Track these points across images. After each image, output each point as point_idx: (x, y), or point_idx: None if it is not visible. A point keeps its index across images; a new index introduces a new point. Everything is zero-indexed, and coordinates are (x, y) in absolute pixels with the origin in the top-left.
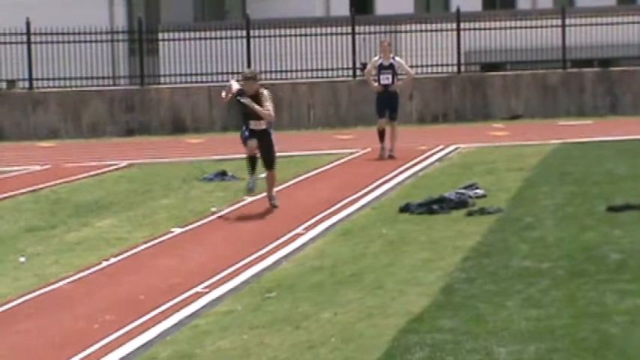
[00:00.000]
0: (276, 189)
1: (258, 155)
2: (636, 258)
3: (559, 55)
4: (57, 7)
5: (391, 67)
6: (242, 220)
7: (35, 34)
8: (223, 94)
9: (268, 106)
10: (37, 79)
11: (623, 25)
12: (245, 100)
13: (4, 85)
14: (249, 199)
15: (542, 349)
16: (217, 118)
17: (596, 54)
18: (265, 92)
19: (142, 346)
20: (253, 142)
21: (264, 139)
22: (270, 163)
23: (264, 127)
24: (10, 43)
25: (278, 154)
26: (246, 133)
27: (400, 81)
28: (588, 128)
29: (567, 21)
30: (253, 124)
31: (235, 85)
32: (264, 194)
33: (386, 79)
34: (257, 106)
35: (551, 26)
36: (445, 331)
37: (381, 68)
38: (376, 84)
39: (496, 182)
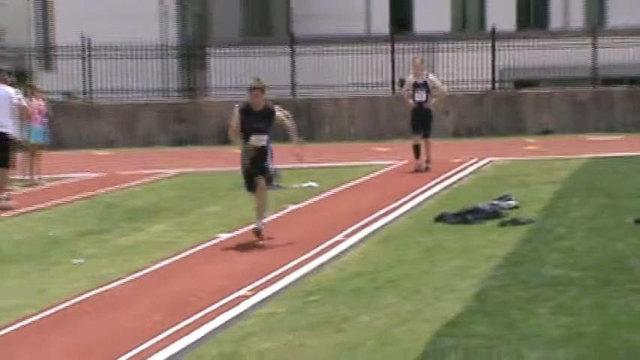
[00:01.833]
0: (318, 197)
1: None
2: None
3: (589, 73)
4: (113, 24)
5: (425, 84)
6: (285, 228)
7: (93, 49)
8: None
9: (290, 125)
10: (94, 92)
11: None
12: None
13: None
14: (292, 206)
15: (571, 355)
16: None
17: (625, 72)
18: (278, 110)
19: (190, 345)
20: (261, 181)
21: (260, 154)
22: (263, 170)
23: (264, 143)
24: (70, 57)
25: (320, 164)
26: (246, 162)
27: (434, 98)
28: (617, 144)
29: (598, 41)
30: (255, 139)
31: (236, 106)
32: (306, 202)
33: (420, 96)
34: (287, 122)
35: (583, 45)
36: (478, 336)
37: (415, 86)
38: (411, 101)
39: (528, 194)
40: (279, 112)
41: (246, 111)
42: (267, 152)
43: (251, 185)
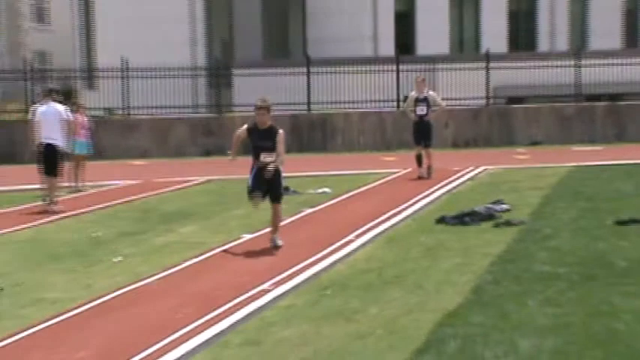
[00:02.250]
0: (331, 202)
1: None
2: None
3: (573, 90)
4: (149, 48)
5: (425, 99)
6: (302, 229)
7: (130, 70)
8: (229, 152)
9: (281, 150)
10: (131, 108)
11: (629, 66)
12: (265, 171)
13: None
14: (308, 210)
15: (559, 342)
16: None
17: (605, 90)
18: (281, 133)
19: (217, 334)
20: (258, 198)
21: (272, 175)
22: (277, 197)
23: (272, 159)
24: (111, 77)
25: (334, 172)
26: (251, 183)
27: (434, 112)
28: (599, 153)
29: (581, 62)
30: (263, 157)
31: (243, 128)
32: (321, 206)
33: (421, 110)
34: (269, 159)
35: (567, 66)
36: (475, 325)
37: (417, 101)
38: (412, 115)
39: (519, 199)
40: (282, 138)
41: (254, 130)
42: (280, 177)
43: (254, 200)
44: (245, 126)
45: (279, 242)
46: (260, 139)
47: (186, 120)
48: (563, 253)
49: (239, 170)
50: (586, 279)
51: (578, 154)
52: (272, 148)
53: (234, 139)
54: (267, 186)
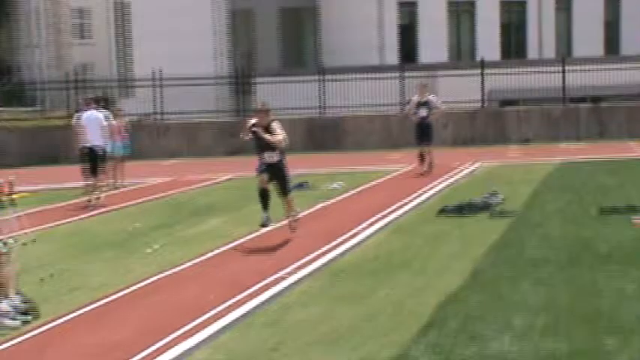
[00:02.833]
0: (343, 196)
1: (269, 188)
2: (621, 250)
3: (560, 94)
4: (179, 59)
5: (426, 103)
6: (317, 220)
7: (163, 79)
8: (242, 135)
9: (278, 133)
10: (164, 113)
11: (609, 71)
12: (257, 129)
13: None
14: (321, 204)
15: (549, 319)
16: (298, 142)
17: (588, 93)
18: (275, 123)
19: (242, 315)
20: (264, 176)
21: (278, 171)
22: (284, 192)
23: (276, 159)
24: (145, 86)
25: (345, 169)
26: (262, 167)
27: (434, 115)
28: (583, 150)
29: (566, 68)
30: (267, 156)
31: (251, 121)
32: (334, 199)
33: (422, 112)
34: (267, 135)
35: (554, 72)
36: (474, 305)
37: (419, 104)
38: (414, 117)
39: (512, 191)
40: (276, 125)
41: (256, 127)
42: (285, 172)
43: (264, 199)
44: (252, 121)
45: (295, 224)
46: (261, 138)
47: (212, 123)
48: (552, 240)
49: None
50: (573, 262)
51: (565, 151)
52: (273, 147)
53: (244, 126)
54: (272, 172)
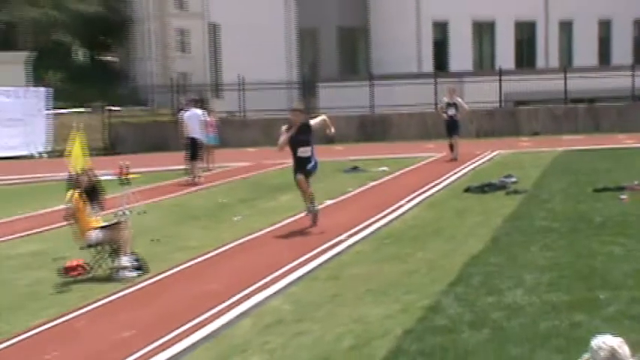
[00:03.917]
0: (388, 177)
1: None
2: (612, 220)
3: (562, 96)
4: (264, 67)
5: (454, 104)
6: (367, 196)
7: (245, 84)
8: (282, 138)
9: (317, 122)
10: (246, 111)
11: (603, 78)
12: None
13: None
14: (372, 183)
15: (553, 277)
16: (352, 134)
17: (586, 95)
18: (320, 118)
19: (309, 271)
20: (300, 177)
21: (307, 163)
22: (308, 172)
23: (309, 154)
24: (231, 89)
25: (390, 156)
26: (296, 169)
27: (460, 114)
28: (581, 141)
29: (567, 75)
30: (301, 151)
31: (284, 127)
32: (380, 180)
33: (451, 111)
34: (324, 123)
35: (558, 78)
36: (493, 265)
37: (448, 105)
38: (445, 115)
39: (524, 174)
40: (313, 122)
41: (290, 127)
42: (311, 163)
43: (298, 181)
44: (283, 129)
45: (312, 208)
46: (297, 134)
47: (285, 119)
48: (555, 213)
49: (322, 155)
50: (572, 231)
51: (566, 142)
52: (307, 142)
53: (280, 145)
54: (304, 166)
